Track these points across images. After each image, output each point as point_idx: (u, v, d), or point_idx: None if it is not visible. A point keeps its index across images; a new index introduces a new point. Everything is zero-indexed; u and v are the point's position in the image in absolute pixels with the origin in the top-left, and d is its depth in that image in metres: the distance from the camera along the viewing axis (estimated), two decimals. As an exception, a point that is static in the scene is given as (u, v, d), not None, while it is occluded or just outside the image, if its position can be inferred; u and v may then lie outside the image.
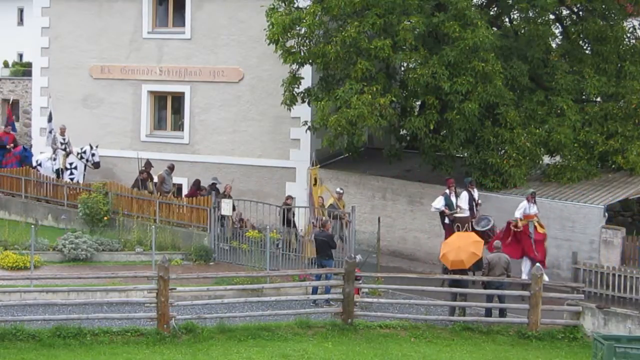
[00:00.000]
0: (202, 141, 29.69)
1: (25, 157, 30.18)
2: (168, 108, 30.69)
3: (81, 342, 18.59)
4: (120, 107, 30.62)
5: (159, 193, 27.46)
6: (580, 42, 27.89)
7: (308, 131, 27.00)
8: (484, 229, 23.21)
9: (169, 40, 30.01)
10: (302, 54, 25.72)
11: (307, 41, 25.68)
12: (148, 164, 28.52)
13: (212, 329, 19.44)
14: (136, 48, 30.41)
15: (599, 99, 27.69)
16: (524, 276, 22.45)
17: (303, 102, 26.66)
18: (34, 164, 29.87)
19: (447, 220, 23.89)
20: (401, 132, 27.91)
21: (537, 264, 21.23)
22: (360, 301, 20.71)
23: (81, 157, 29.32)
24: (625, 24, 27.60)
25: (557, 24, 28.50)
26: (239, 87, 29.27)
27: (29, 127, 35.58)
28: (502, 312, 20.90)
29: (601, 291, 21.45)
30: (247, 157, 29.09)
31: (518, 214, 23.18)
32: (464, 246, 21.06)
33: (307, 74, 26.96)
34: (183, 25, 29.87)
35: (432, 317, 20.86)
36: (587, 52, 27.72)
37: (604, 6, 27.19)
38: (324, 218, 23.65)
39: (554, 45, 28.00)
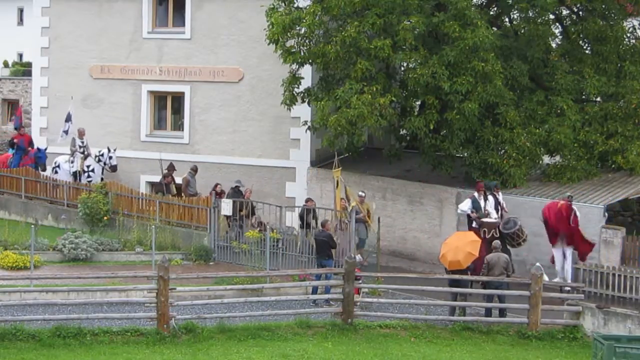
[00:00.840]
0: (202, 141, 29.68)
1: (38, 158, 29.95)
2: (168, 108, 30.67)
3: (81, 342, 18.59)
4: (120, 107, 30.60)
5: (184, 195, 27.33)
6: (580, 42, 27.88)
7: (308, 131, 27.00)
8: (508, 231, 23.06)
9: (169, 40, 29.99)
10: (302, 54, 25.71)
11: (307, 41, 25.67)
12: (171, 167, 28.36)
13: (212, 328, 19.44)
14: (136, 48, 30.40)
15: (599, 99, 27.69)
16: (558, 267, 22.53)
17: (303, 102, 26.65)
18: (52, 165, 29.72)
19: (474, 225, 23.61)
20: (401, 132, 27.89)
21: (537, 264, 21.22)
22: (360, 301, 20.71)
23: (99, 160, 29.30)
24: (625, 24, 27.59)
25: (557, 24, 28.49)
26: (239, 87, 29.26)
27: (28, 127, 35.53)
28: (502, 312, 20.89)
29: (601, 291, 21.41)
30: (247, 157, 29.07)
31: None
32: (462, 246, 21.01)
33: (307, 74, 26.95)
34: (183, 25, 29.85)
35: (432, 317, 20.86)
36: (587, 52, 27.71)
37: (604, 6, 27.18)
38: (338, 216, 23.59)
39: (554, 45, 27.99)
